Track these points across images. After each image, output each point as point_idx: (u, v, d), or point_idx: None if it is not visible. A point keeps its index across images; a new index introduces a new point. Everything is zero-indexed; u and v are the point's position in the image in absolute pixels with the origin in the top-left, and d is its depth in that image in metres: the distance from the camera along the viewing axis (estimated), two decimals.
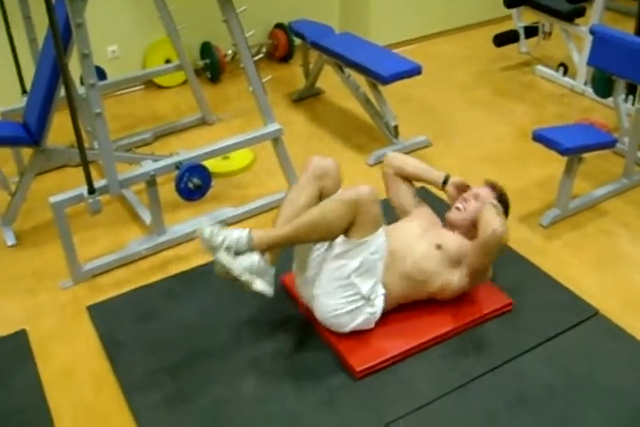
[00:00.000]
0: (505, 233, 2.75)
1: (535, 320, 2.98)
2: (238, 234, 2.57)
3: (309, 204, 2.83)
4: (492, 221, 2.75)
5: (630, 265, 3.37)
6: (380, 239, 2.70)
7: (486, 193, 3.05)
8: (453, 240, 2.94)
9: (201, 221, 2.61)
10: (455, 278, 2.89)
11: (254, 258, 2.57)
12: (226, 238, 2.55)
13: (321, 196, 2.90)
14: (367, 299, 2.74)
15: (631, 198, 3.84)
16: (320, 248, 2.81)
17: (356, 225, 2.61)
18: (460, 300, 2.99)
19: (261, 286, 2.58)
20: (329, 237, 2.68)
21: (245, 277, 2.54)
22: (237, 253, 2.56)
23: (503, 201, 3.06)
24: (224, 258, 2.51)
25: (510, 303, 3.02)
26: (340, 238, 2.65)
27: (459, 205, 3.05)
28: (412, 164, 3.23)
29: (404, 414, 2.58)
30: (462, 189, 3.12)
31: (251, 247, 2.58)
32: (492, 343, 2.88)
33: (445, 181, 3.12)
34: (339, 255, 2.67)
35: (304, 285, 2.90)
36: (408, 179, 3.23)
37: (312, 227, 2.61)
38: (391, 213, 3.20)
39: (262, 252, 2.61)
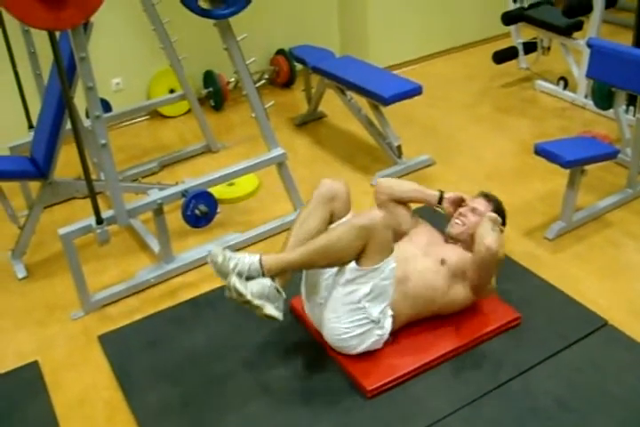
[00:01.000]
0: (500, 248, 2.77)
1: (544, 333, 2.98)
2: (250, 259, 2.60)
3: (320, 226, 2.85)
4: (485, 238, 2.75)
5: (637, 275, 3.36)
6: (390, 265, 2.70)
7: (482, 205, 3.07)
8: (455, 254, 2.95)
9: (212, 247, 2.63)
10: (461, 292, 2.91)
11: (266, 283, 2.59)
12: (238, 264, 2.58)
13: (331, 218, 2.92)
14: (377, 322, 2.75)
15: (636, 208, 3.84)
16: (330, 271, 2.82)
17: (367, 251, 2.62)
18: (468, 315, 3.00)
19: (272, 310, 2.60)
20: (339, 263, 2.69)
21: (257, 302, 2.55)
22: (249, 278, 2.58)
23: (499, 210, 3.07)
24: (237, 283, 2.53)
25: (519, 317, 3.02)
26: (352, 265, 2.66)
27: (457, 220, 3.06)
28: (404, 187, 3.23)
29: None
30: (458, 203, 3.13)
31: (262, 273, 2.60)
32: (502, 358, 2.88)
33: (440, 199, 3.13)
34: (350, 281, 2.67)
35: (313, 308, 2.92)
36: (402, 201, 3.22)
37: (323, 253, 2.62)
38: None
39: (273, 277, 2.63)
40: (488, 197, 3.13)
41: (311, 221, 2.86)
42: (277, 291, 2.62)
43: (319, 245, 2.63)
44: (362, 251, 2.62)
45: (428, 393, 2.74)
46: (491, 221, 2.85)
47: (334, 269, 2.78)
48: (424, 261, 2.92)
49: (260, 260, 2.61)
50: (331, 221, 2.92)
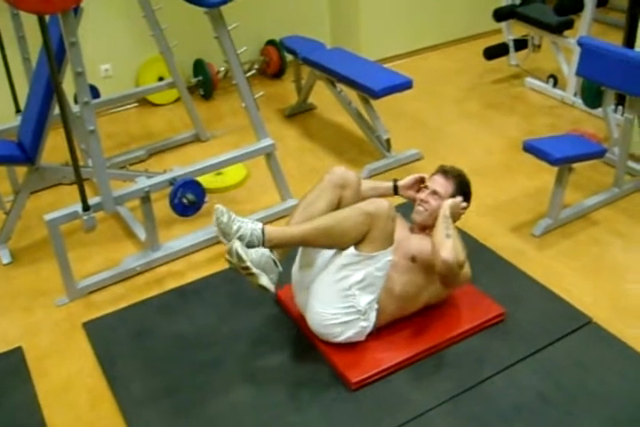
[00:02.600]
0: (458, 253, 2.68)
1: (528, 329, 3.00)
2: (253, 226, 2.60)
3: (327, 210, 2.82)
4: (440, 250, 2.67)
5: (623, 273, 3.38)
6: (387, 257, 2.71)
7: (441, 186, 2.97)
8: (424, 248, 2.84)
9: (218, 205, 2.61)
10: (438, 283, 2.86)
11: (265, 253, 2.58)
12: (241, 227, 2.58)
13: (338, 205, 2.88)
14: (363, 313, 2.75)
15: (622, 207, 3.86)
16: (325, 254, 2.81)
17: (368, 238, 2.63)
18: (453, 310, 3.02)
19: (266, 281, 2.58)
20: (339, 244, 2.68)
21: (254, 270, 2.53)
22: (249, 245, 2.57)
23: (462, 184, 3.01)
24: (239, 248, 2.51)
25: (503, 313, 3.03)
26: (350, 250, 2.66)
27: (419, 207, 2.99)
28: (363, 187, 3.07)
29: (399, 424, 2.59)
30: (416, 185, 3.07)
31: (262, 241, 2.59)
32: (486, 353, 2.89)
33: (395, 188, 3.09)
34: (345, 266, 2.67)
35: (301, 290, 2.90)
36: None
37: (326, 231, 2.62)
38: None
39: (271, 248, 2.62)
40: (446, 173, 3.03)
41: (318, 203, 2.83)
42: (275, 263, 2.61)
43: (323, 224, 2.63)
44: (363, 237, 2.62)
45: (411, 387, 2.75)
46: (445, 220, 2.79)
47: (330, 253, 2.76)
48: (396, 261, 2.84)
49: (263, 229, 2.60)
50: (337, 208, 2.86)
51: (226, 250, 2.54)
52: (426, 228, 2.99)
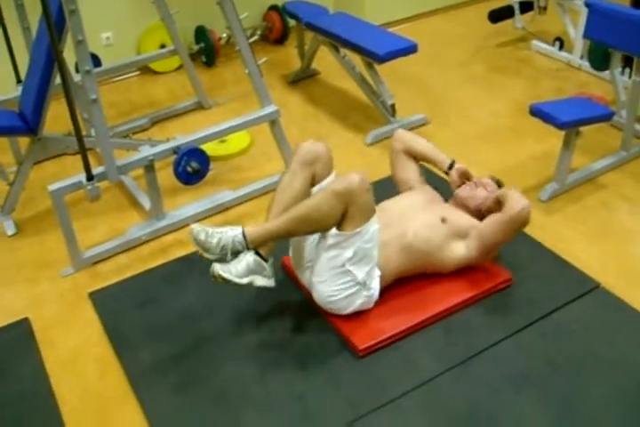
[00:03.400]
0: (530, 214, 2.83)
1: (536, 294, 2.99)
2: (233, 233, 2.60)
3: (302, 191, 2.84)
4: (520, 199, 2.82)
5: (630, 237, 3.36)
6: (373, 227, 2.69)
7: (492, 186, 3.12)
8: (458, 215, 2.98)
9: (193, 225, 2.62)
10: (461, 251, 2.92)
11: (249, 259, 2.60)
12: (221, 239, 2.58)
13: (313, 180, 2.91)
14: (363, 284, 2.75)
15: (630, 171, 3.83)
16: (314, 236, 2.81)
17: (348, 216, 2.60)
18: (459, 276, 3.00)
19: (261, 281, 2.65)
20: (322, 228, 2.67)
21: (245, 281, 2.59)
22: (234, 251, 2.60)
23: None
24: (219, 271, 2.55)
25: (510, 278, 3.02)
26: (333, 231, 2.65)
27: (469, 187, 3.10)
28: (421, 142, 3.26)
29: (407, 390, 2.59)
30: (466, 176, 3.17)
31: (246, 245, 2.60)
32: (493, 318, 2.89)
33: (451, 166, 3.16)
34: (332, 246, 2.66)
35: (301, 270, 2.92)
36: (414, 157, 3.26)
37: (304, 220, 2.62)
38: (394, 190, 3.23)
39: (257, 247, 2.64)
40: (499, 183, 3.19)
41: (293, 186, 2.84)
42: (262, 261, 2.64)
43: (300, 214, 2.61)
44: (343, 215, 2.61)
45: (418, 353, 2.75)
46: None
47: (317, 235, 2.77)
48: (423, 217, 2.93)
49: (243, 232, 2.61)
50: (313, 184, 2.91)
51: (210, 274, 2.57)
52: (461, 208, 3.08)
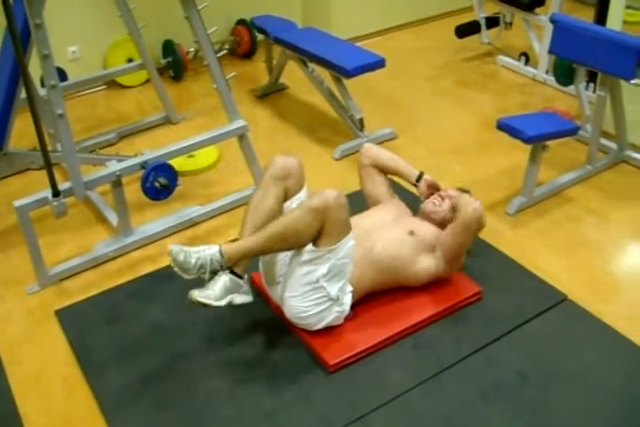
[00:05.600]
0: (483, 215, 2.90)
1: (505, 308, 3.00)
2: (210, 251, 2.59)
3: (275, 207, 2.83)
4: (470, 201, 2.87)
5: (596, 250, 3.40)
6: (348, 244, 2.68)
7: (456, 193, 3.13)
8: (425, 228, 2.99)
9: (171, 246, 2.60)
10: (431, 263, 2.94)
11: (225, 279, 2.60)
12: (199, 258, 2.57)
13: (286, 195, 2.90)
14: (336, 299, 2.74)
15: (595, 184, 3.87)
16: (286, 252, 2.80)
17: (324, 232, 2.59)
18: (429, 289, 3.01)
19: (240, 298, 2.65)
20: (299, 245, 2.66)
21: (224, 303, 2.59)
22: (213, 270, 2.59)
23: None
24: (198, 297, 2.54)
25: (480, 291, 3.03)
26: (309, 247, 2.64)
27: (434, 200, 3.11)
28: (388, 156, 3.26)
29: (379, 405, 2.59)
30: (434, 187, 3.18)
31: (223, 264, 2.59)
32: (463, 332, 2.89)
33: (419, 178, 3.17)
34: (307, 261, 2.65)
35: (272, 285, 2.90)
36: (382, 171, 3.26)
37: (280, 238, 2.60)
38: (363, 204, 3.23)
39: (232, 266, 2.64)
40: (466, 192, 3.17)
41: (266, 202, 2.83)
42: (238, 278, 2.64)
43: (275, 231, 2.60)
44: (319, 232, 2.60)
45: (389, 368, 2.74)
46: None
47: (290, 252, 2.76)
48: (392, 231, 2.94)
49: (220, 250, 2.59)
50: (285, 199, 2.90)
51: (188, 300, 2.56)
52: (428, 221, 3.08)
